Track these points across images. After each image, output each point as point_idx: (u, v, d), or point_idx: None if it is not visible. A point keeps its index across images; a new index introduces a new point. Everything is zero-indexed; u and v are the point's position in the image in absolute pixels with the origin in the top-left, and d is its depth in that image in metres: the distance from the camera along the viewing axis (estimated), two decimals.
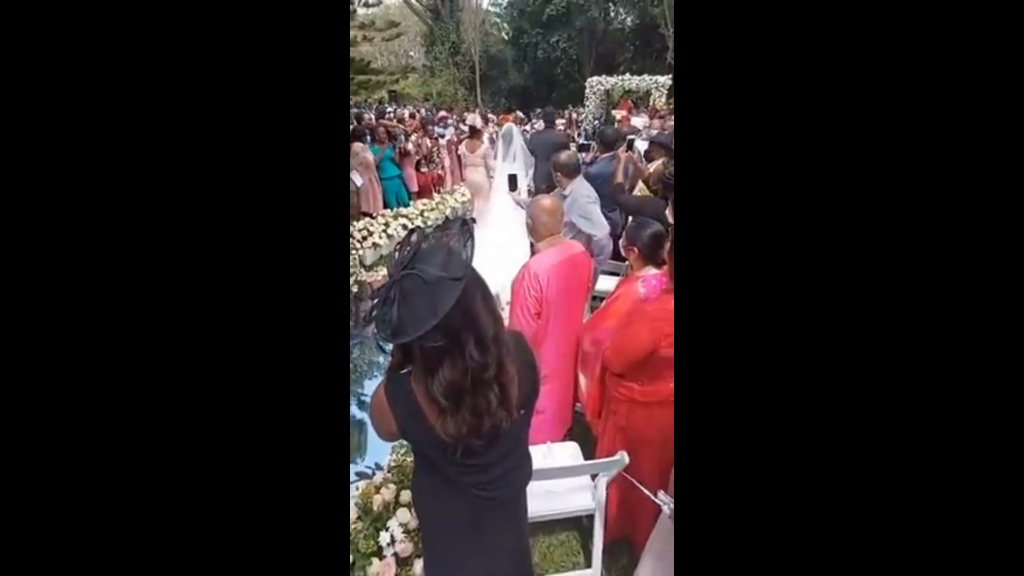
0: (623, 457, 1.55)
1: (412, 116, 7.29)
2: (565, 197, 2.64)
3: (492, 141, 5.84)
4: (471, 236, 0.84)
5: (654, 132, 5.37)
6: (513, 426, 0.95)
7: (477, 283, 0.86)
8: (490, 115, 9.52)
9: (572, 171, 2.61)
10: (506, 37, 18.58)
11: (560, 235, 1.94)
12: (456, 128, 7.30)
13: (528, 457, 1.12)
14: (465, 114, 9.20)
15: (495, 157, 4.68)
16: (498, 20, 19.22)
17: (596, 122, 10.56)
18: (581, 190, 2.59)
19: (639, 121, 7.62)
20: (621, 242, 2.05)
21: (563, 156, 2.68)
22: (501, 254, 2.09)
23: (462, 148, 5.94)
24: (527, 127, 8.03)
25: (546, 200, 1.90)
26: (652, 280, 1.87)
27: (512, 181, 3.58)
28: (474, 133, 5.73)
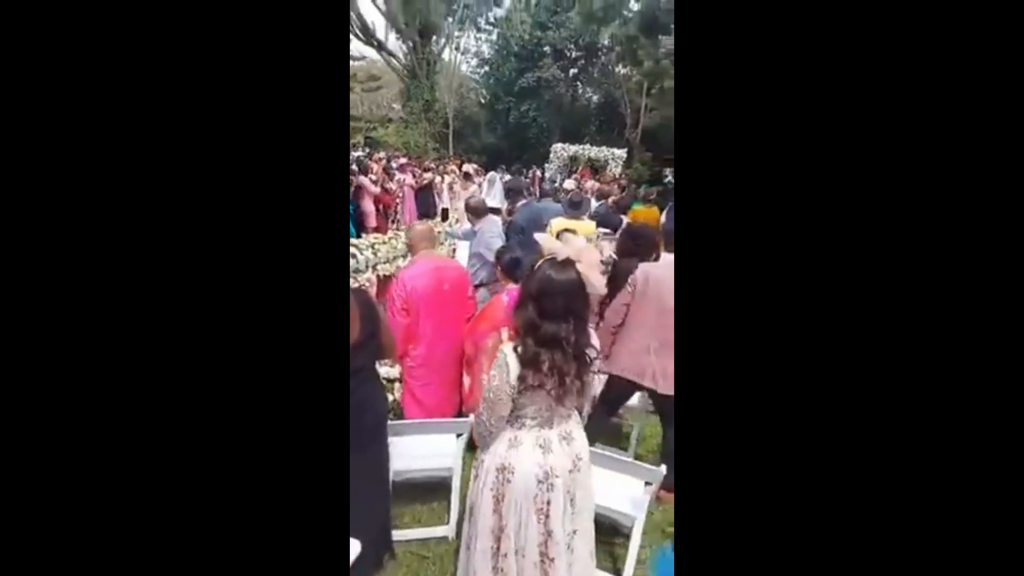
0: (472, 418, 1.99)
1: (376, 161, 7.99)
2: (475, 233, 3.21)
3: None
4: None
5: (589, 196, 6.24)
6: (356, 363, 1.39)
7: None
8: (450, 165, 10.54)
9: (481, 212, 3.21)
10: (483, 101, 20.07)
11: (432, 250, 2.51)
12: (414, 175, 8.03)
13: (382, 400, 1.57)
14: (466, 166, 10.31)
15: (482, 194, 6.27)
16: (476, 86, 20.80)
17: (554, 184, 11.50)
18: (488, 227, 3.18)
19: (585, 185, 8.53)
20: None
21: (472, 200, 3.31)
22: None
23: (456, 187, 7.83)
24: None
25: (418, 226, 2.55)
26: (515, 291, 2.42)
27: (444, 214, 4.20)
28: (467, 177, 7.96)
